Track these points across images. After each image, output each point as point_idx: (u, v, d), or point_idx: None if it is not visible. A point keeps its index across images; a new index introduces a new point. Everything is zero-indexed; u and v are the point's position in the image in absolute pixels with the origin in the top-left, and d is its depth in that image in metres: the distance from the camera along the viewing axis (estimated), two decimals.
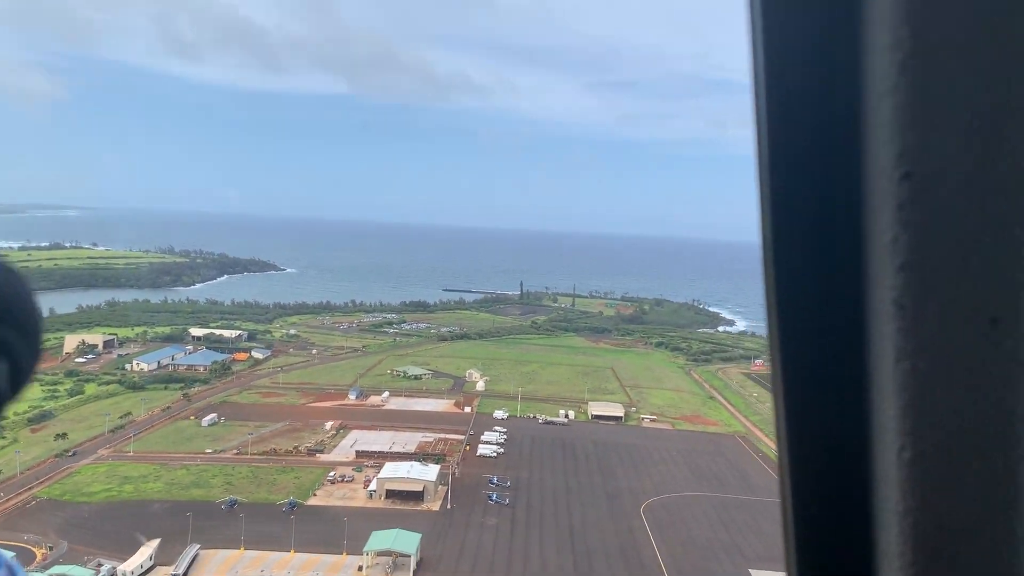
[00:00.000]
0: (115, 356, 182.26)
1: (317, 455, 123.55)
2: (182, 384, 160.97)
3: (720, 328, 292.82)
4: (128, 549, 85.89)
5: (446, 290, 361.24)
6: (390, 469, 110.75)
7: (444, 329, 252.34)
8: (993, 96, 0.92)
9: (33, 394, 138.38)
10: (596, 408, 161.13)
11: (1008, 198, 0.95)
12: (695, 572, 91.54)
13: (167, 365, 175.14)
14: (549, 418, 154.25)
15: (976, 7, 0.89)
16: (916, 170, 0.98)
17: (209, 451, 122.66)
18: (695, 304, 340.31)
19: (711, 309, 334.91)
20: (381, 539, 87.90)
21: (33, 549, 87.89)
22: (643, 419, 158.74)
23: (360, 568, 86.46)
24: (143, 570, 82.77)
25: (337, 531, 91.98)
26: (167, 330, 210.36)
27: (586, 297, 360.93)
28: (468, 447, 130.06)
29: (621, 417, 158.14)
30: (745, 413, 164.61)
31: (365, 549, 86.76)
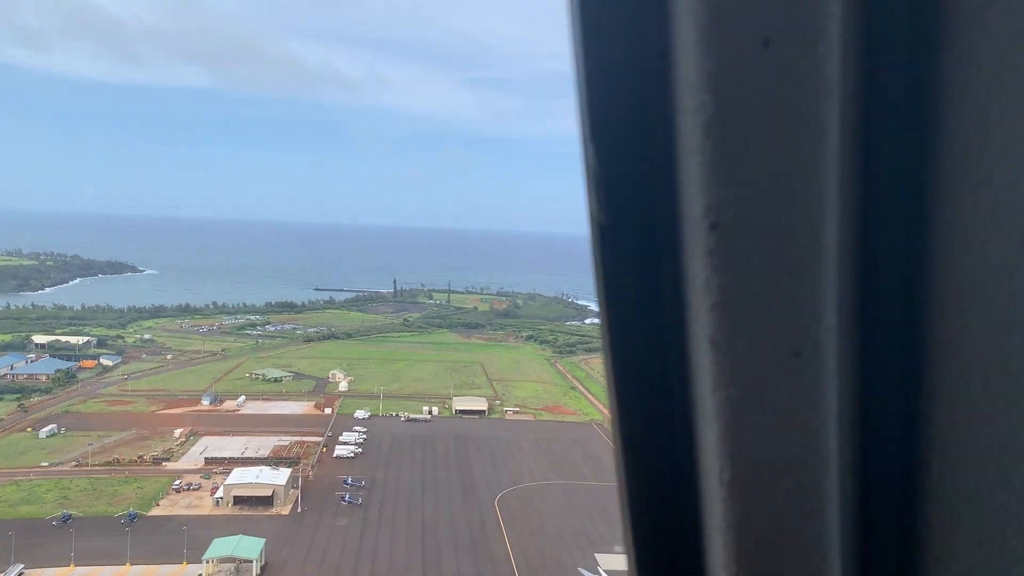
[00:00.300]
0: None
1: (164, 464, 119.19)
2: (19, 394, 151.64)
3: (587, 320, 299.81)
4: None
5: (317, 289, 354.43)
6: (238, 475, 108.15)
7: (311, 330, 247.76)
8: (786, 158, 1.02)
9: None
10: (460, 403, 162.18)
11: (802, 246, 1.05)
12: (543, 560, 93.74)
13: (4, 375, 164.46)
14: (412, 415, 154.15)
15: (767, 80, 0.99)
16: (721, 221, 1.06)
17: (45, 464, 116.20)
18: (564, 298, 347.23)
19: (579, 302, 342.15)
20: (222, 546, 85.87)
21: None
22: (506, 412, 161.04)
23: None
24: None
25: (179, 540, 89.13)
26: (7, 338, 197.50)
27: (462, 293, 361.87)
28: (325, 449, 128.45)
29: (484, 411, 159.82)
30: (603, 401, 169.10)
31: (204, 557, 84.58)
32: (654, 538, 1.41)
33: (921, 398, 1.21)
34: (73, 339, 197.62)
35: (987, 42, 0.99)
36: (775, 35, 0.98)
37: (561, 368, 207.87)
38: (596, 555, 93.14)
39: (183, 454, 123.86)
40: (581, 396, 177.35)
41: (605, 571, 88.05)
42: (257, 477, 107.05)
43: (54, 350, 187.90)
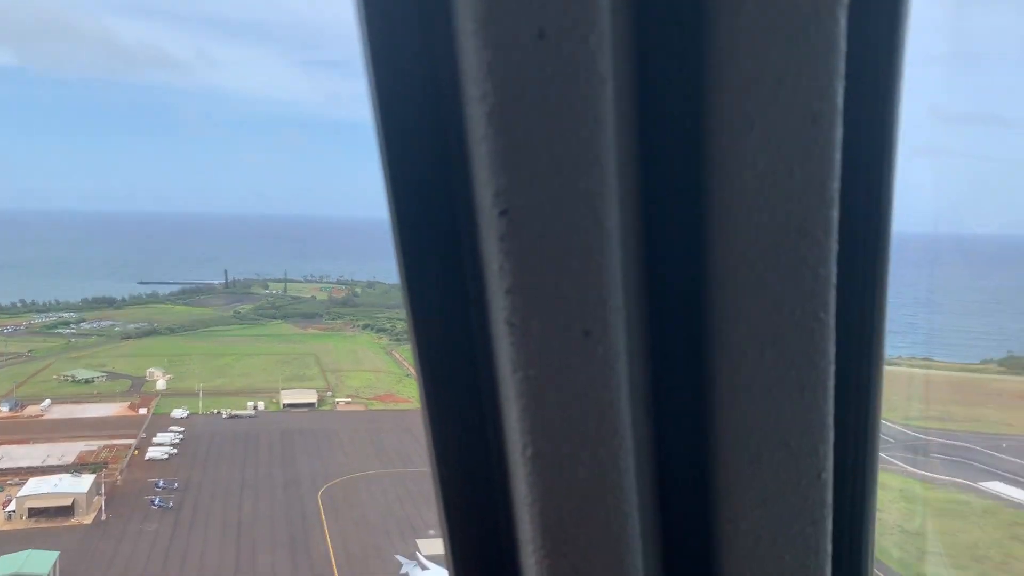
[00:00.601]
0: None
1: None
2: None
3: None
4: None
5: (141, 283, 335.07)
6: (33, 485, 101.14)
7: (131, 326, 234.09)
8: (566, 145, 1.06)
9: None
10: (288, 396, 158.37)
11: (586, 230, 1.10)
12: (363, 550, 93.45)
13: None
14: (235, 412, 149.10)
15: (544, 70, 1.03)
16: (511, 207, 1.10)
17: None
18: None
19: None
20: (8, 564, 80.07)
21: None
22: (337, 403, 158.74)
23: None
24: None
25: None
26: None
27: (300, 282, 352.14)
28: (137, 452, 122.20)
29: (314, 403, 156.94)
30: None
31: None
32: (467, 518, 1.46)
33: (705, 369, 1.29)
34: None
35: (746, 35, 1.05)
36: (549, 27, 1.01)
37: (397, 356, 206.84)
38: (417, 540, 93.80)
39: None
40: (415, 384, 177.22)
41: (426, 556, 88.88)
42: (56, 486, 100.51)
43: None
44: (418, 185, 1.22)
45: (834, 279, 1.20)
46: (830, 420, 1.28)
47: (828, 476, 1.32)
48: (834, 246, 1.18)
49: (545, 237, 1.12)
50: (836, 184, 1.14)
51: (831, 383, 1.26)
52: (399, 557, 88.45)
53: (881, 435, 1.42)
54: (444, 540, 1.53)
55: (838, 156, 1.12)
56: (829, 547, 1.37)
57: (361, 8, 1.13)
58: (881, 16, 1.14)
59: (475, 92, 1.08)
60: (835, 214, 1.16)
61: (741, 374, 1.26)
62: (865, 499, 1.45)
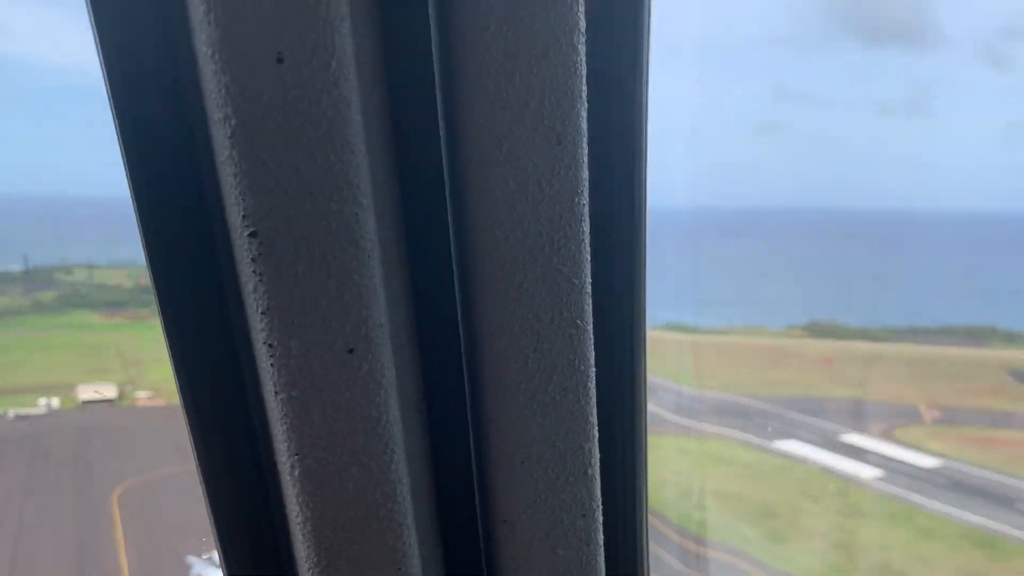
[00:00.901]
0: None
1: None
2: None
3: None
4: None
5: None
6: None
7: None
8: (314, 168, 1.09)
9: None
10: (86, 392, 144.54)
11: (342, 250, 1.14)
12: (159, 553, 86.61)
13: None
14: (22, 412, 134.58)
15: (285, 95, 1.04)
16: (260, 228, 1.10)
17: None
18: None
19: None
20: None
21: None
22: (139, 398, 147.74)
23: None
24: None
25: None
26: None
27: (107, 268, 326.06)
28: None
29: (114, 399, 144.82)
30: None
31: None
32: (243, 542, 1.47)
33: (474, 378, 1.37)
34: None
35: (490, 59, 1.11)
36: (288, 53, 1.01)
37: None
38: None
39: None
40: None
41: None
42: None
43: None
44: (169, 206, 1.19)
45: (589, 287, 1.28)
46: (593, 419, 1.37)
47: (594, 472, 1.41)
48: (587, 256, 1.26)
49: (298, 258, 1.12)
50: (584, 199, 1.22)
51: (592, 384, 1.34)
52: (189, 557, 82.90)
53: (648, 430, 1.48)
54: (220, 566, 1.52)
55: (585, 173, 1.21)
56: (601, 538, 1.47)
57: (90, 10, 1.07)
58: (621, 43, 1.25)
59: (217, 115, 1.08)
60: (586, 226, 1.25)
61: (506, 381, 1.32)
62: (635, 489, 1.54)
